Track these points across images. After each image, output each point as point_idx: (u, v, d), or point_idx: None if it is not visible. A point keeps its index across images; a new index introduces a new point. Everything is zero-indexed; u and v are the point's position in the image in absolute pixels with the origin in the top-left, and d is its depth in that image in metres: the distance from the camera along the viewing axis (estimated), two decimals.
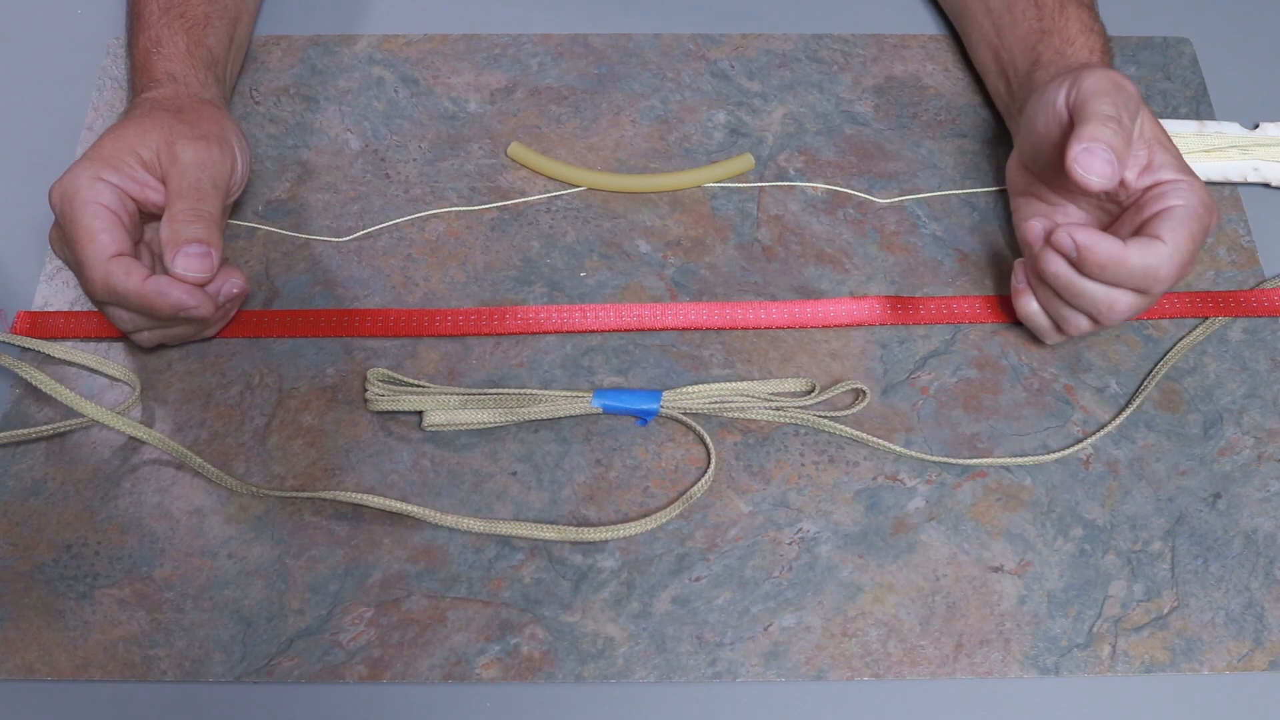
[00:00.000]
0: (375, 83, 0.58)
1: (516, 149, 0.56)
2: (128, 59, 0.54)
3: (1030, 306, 0.49)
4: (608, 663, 0.44)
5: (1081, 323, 0.48)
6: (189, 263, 0.46)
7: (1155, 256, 0.45)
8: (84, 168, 0.46)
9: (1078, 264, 0.46)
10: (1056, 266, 0.47)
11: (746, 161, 0.55)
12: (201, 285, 0.46)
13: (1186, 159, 0.55)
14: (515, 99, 0.58)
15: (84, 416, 0.47)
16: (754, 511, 0.47)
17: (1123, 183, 0.47)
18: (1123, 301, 0.46)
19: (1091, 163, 0.45)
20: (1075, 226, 0.46)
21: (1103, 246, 0.45)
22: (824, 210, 0.55)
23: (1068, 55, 0.51)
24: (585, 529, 0.46)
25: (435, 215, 0.54)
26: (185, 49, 0.52)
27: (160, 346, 0.50)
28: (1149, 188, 0.46)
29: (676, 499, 0.47)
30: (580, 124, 0.57)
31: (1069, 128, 0.47)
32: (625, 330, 0.51)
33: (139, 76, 0.52)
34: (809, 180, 0.56)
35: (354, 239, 0.53)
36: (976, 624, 0.45)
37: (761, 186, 0.55)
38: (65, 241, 0.46)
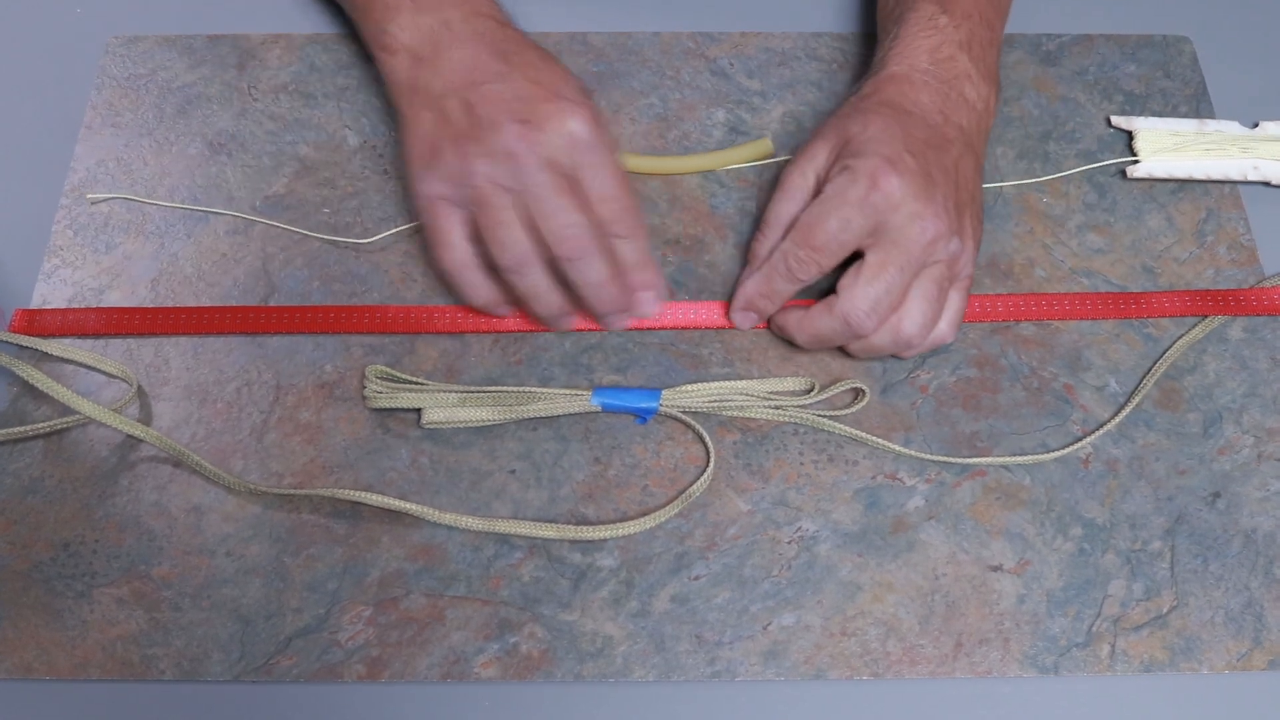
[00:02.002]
0: (375, 80, 0.58)
1: None
2: None
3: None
4: (606, 662, 0.44)
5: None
6: (653, 309, 0.48)
7: (834, 320, 0.47)
8: (590, 100, 0.46)
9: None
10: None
11: (765, 146, 0.55)
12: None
13: (1187, 157, 0.55)
14: None
15: (81, 414, 0.47)
16: (753, 510, 0.47)
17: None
18: (879, 343, 0.47)
19: (743, 323, 0.50)
20: (779, 315, 0.49)
21: (801, 327, 0.48)
22: None
23: (887, 60, 0.51)
24: (584, 527, 0.45)
25: None
26: None
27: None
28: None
29: (675, 498, 0.47)
30: None
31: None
32: (624, 328, 0.51)
33: None
34: None
35: (379, 239, 0.53)
36: (976, 623, 0.45)
37: (764, 171, 0.55)
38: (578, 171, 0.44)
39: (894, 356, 0.50)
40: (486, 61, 0.46)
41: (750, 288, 0.49)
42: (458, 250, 0.46)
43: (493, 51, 0.46)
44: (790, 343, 0.50)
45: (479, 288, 0.47)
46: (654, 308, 0.49)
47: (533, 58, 0.47)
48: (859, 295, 0.45)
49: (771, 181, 0.55)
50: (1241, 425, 0.49)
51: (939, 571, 0.46)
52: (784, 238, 0.48)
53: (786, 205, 0.49)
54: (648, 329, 0.51)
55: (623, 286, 0.47)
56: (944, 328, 0.47)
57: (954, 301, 0.48)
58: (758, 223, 0.51)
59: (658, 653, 0.44)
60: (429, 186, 0.46)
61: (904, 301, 0.46)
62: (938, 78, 0.49)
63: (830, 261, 0.46)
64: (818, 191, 0.48)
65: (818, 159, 0.48)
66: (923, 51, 0.50)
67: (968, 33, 0.50)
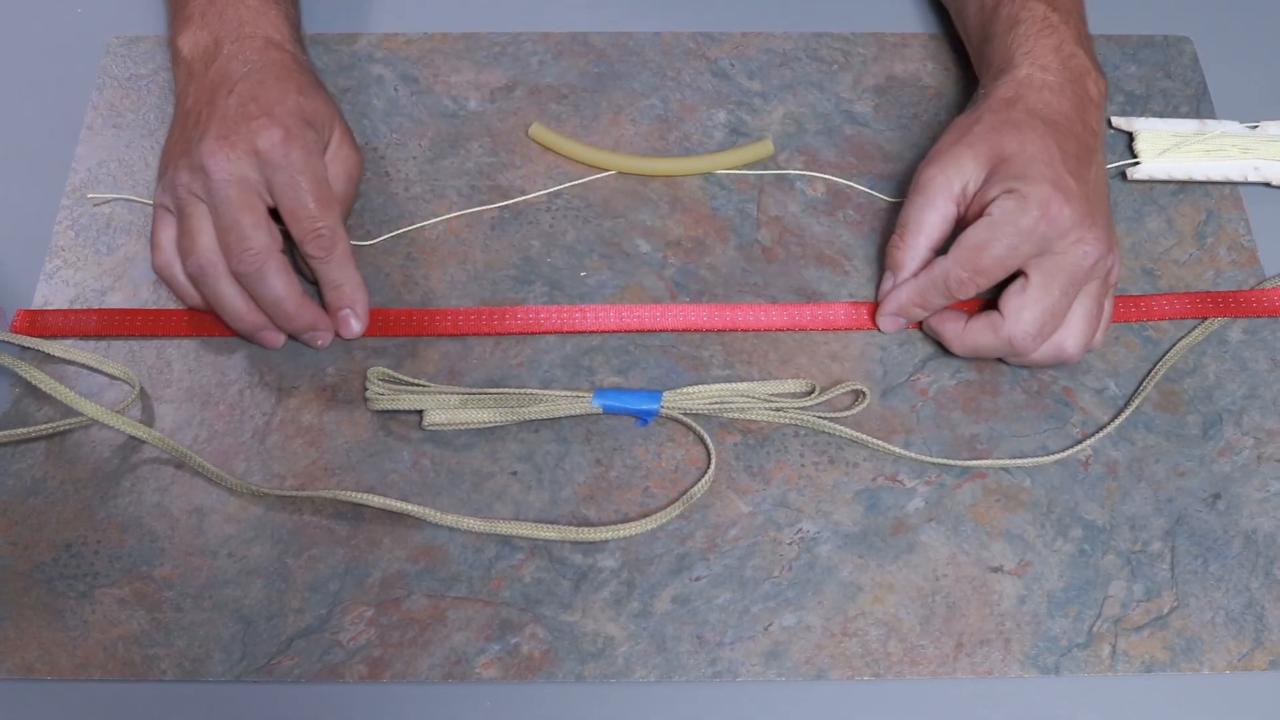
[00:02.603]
0: (375, 81, 0.58)
1: (539, 130, 0.55)
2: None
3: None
4: (608, 662, 0.44)
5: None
6: (352, 330, 0.49)
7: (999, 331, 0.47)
8: (296, 121, 0.47)
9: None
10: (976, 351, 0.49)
11: (766, 147, 0.55)
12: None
13: (1188, 158, 0.55)
14: (515, 97, 0.58)
15: (83, 415, 0.47)
16: (754, 512, 0.47)
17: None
18: (1039, 359, 0.48)
19: (891, 328, 0.51)
20: (934, 319, 0.50)
21: (961, 340, 0.49)
22: (824, 212, 0.55)
23: (1013, 59, 0.50)
24: (585, 529, 0.46)
25: (434, 214, 0.54)
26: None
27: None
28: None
29: (677, 499, 0.47)
30: (580, 122, 0.57)
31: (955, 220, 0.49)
32: (625, 331, 0.51)
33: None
34: (809, 182, 0.56)
35: (380, 241, 0.53)
36: (976, 624, 0.45)
37: (764, 174, 0.55)
38: (277, 187, 0.46)
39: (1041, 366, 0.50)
40: (229, 80, 0.48)
41: (904, 296, 0.49)
42: (164, 253, 0.48)
43: (242, 70, 0.48)
44: (940, 344, 0.51)
45: (183, 290, 0.48)
46: (354, 328, 0.49)
47: (268, 76, 0.48)
48: (1026, 320, 0.46)
49: (775, 183, 0.55)
50: (1241, 427, 0.49)
51: (939, 573, 0.46)
52: (930, 248, 0.49)
53: (929, 213, 0.49)
54: (649, 331, 0.51)
55: (309, 306, 0.48)
56: (1098, 337, 0.48)
57: (1105, 310, 0.48)
58: (895, 227, 0.50)
59: (659, 653, 0.44)
60: (158, 193, 0.49)
61: (1066, 321, 0.47)
62: (1068, 79, 0.49)
63: (990, 283, 0.47)
64: (964, 202, 0.48)
65: (966, 169, 0.48)
66: (1048, 51, 0.50)
67: (1075, 28, 0.51)
